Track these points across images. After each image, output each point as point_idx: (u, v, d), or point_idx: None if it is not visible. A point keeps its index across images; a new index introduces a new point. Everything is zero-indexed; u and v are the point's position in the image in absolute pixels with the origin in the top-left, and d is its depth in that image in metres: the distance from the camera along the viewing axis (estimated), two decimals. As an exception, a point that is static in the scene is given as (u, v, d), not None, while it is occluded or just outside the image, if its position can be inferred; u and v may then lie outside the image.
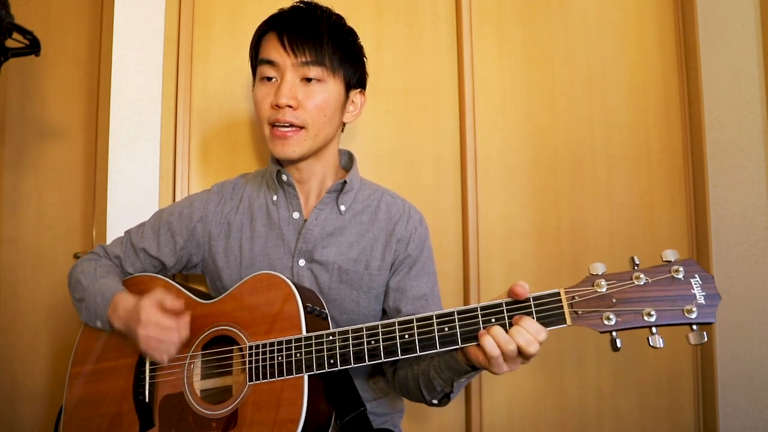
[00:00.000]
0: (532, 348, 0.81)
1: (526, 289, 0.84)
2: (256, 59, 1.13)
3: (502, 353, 0.83)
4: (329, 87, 1.09)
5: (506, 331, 0.83)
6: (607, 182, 1.76)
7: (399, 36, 1.65)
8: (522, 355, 0.83)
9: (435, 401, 1.03)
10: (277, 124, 1.07)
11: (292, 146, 1.08)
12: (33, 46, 1.16)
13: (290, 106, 1.06)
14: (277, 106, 1.06)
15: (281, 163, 1.16)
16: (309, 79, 1.08)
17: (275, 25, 1.10)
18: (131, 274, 1.19)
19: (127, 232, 1.22)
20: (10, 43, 1.12)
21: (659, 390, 1.75)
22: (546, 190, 1.71)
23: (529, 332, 0.82)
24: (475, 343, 0.86)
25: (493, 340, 0.83)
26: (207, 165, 1.51)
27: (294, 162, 1.13)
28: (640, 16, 1.85)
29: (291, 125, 1.07)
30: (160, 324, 0.97)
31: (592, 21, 1.80)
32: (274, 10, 1.13)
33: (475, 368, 0.92)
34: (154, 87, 1.48)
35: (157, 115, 1.47)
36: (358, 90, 1.17)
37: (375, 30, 1.63)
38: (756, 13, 1.68)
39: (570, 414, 1.68)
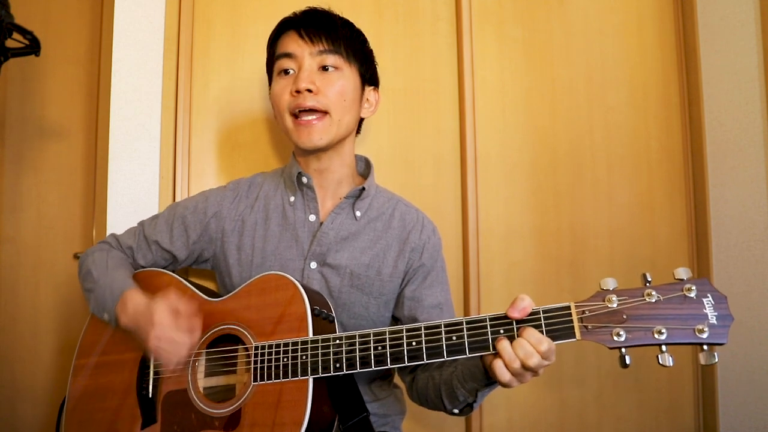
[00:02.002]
0: (531, 361, 0.81)
1: (526, 306, 0.84)
2: (274, 57, 1.15)
3: (511, 372, 0.83)
4: (346, 74, 1.11)
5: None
6: (607, 182, 1.76)
7: (399, 36, 1.65)
8: (526, 368, 0.83)
9: (456, 410, 1.03)
10: (299, 110, 1.08)
11: (318, 133, 1.09)
12: (33, 46, 1.16)
13: (310, 91, 1.07)
14: (297, 93, 1.08)
15: (299, 157, 1.17)
16: (326, 68, 1.10)
17: (291, 23, 1.14)
18: (143, 267, 1.20)
19: (141, 223, 1.22)
20: (10, 43, 1.12)
21: (659, 390, 1.75)
22: (546, 190, 1.71)
23: (530, 343, 0.82)
24: (483, 353, 0.86)
25: (502, 360, 0.83)
26: (207, 165, 1.51)
27: (316, 152, 1.13)
28: (640, 16, 1.85)
29: (313, 110, 1.08)
30: (177, 327, 0.96)
31: (592, 21, 1.80)
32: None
33: None
34: (154, 87, 1.48)
35: (157, 115, 1.47)
36: (372, 87, 1.20)
37: (375, 30, 1.62)
38: (756, 13, 1.67)
39: (570, 414, 1.68)
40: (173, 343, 0.96)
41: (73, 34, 1.57)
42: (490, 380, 0.93)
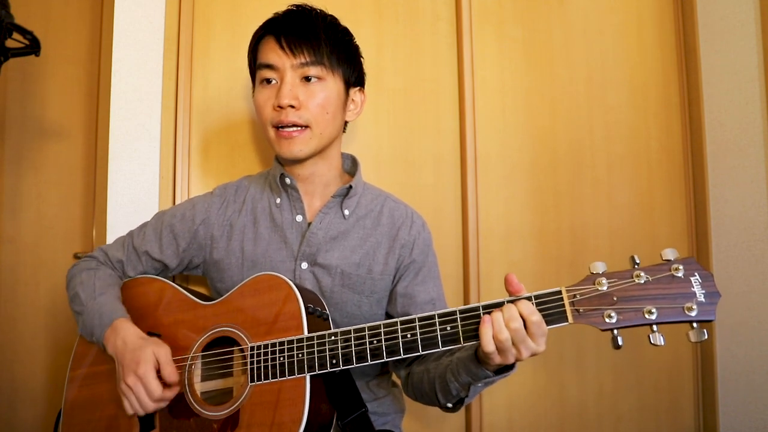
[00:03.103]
0: (513, 323, 0.82)
1: (515, 281, 0.87)
2: (255, 64, 1.14)
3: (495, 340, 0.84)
4: (329, 85, 1.10)
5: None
6: (607, 182, 1.76)
7: (399, 36, 1.65)
8: (514, 340, 0.83)
9: (449, 405, 1.03)
10: (280, 125, 1.08)
11: (299, 145, 1.08)
12: (33, 46, 1.16)
13: (292, 106, 1.07)
14: (279, 108, 1.07)
15: (284, 165, 1.16)
16: (308, 79, 1.08)
17: (272, 29, 1.11)
18: (132, 278, 1.19)
19: (129, 234, 1.21)
20: (10, 43, 1.12)
21: (659, 390, 1.75)
22: (546, 190, 1.71)
23: (520, 311, 0.83)
24: (476, 342, 0.86)
25: (491, 325, 0.84)
26: (207, 165, 1.51)
27: (300, 161, 1.13)
28: (640, 16, 1.85)
29: (295, 125, 1.08)
30: (149, 390, 0.96)
31: (592, 21, 1.80)
32: (274, 10, 1.14)
33: (495, 374, 0.93)
34: (154, 87, 1.48)
35: (157, 115, 1.47)
36: (358, 88, 1.18)
37: (375, 30, 1.63)
38: (756, 13, 1.68)
39: (570, 414, 1.68)
40: (139, 400, 0.97)
41: (73, 34, 1.57)
42: (483, 372, 0.93)
